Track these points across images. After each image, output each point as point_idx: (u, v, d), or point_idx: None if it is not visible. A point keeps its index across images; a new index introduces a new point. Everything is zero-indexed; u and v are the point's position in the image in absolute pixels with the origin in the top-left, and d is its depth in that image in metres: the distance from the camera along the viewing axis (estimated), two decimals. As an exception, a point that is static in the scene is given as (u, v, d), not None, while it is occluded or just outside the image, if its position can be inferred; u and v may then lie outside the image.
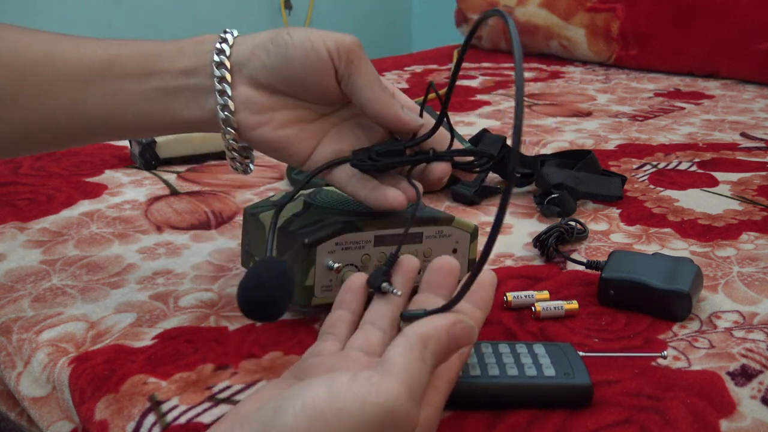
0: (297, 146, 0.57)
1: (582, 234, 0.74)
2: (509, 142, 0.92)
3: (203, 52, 0.55)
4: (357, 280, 0.51)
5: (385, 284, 0.49)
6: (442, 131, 0.57)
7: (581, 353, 0.52)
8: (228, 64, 0.54)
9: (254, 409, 0.38)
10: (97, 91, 0.55)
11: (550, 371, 0.49)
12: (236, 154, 0.58)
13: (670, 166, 0.98)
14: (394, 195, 0.55)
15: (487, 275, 0.48)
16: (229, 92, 0.55)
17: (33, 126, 0.56)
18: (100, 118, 0.56)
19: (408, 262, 0.51)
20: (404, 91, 1.43)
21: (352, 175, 0.56)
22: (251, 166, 0.60)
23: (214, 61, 0.54)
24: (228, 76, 0.54)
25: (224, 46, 0.55)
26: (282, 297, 0.48)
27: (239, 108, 0.55)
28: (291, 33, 0.54)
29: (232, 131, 0.56)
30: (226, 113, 0.55)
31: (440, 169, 0.57)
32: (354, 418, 0.35)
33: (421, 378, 0.39)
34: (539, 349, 0.51)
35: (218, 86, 0.55)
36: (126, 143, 1.06)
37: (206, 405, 0.49)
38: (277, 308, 0.48)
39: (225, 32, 0.56)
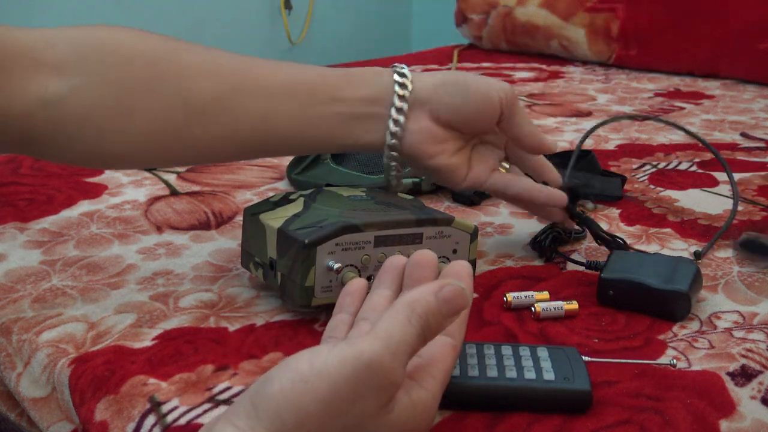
0: (461, 170, 0.67)
1: (580, 234, 0.74)
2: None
3: (383, 83, 0.63)
4: (356, 284, 0.52)
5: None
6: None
7: (586, 358, 0.51)
8: (409, 99, 0.63)
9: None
10: (286, 110, 0.61)
11: (549, 375, 0.48)
12: (394, 174, 0.66)
13: (670, 166, 0.98)
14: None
15: (463, 266, 0.48)
16: (403, 122, 0.63)
17: (223, 138, 0.60)
18: (286, 136, 0.62)
19: (395, 260, 0.51)
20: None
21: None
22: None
23: (397, 93, 0.63)
24: (406, 108, 0.63)
25: (405, 80, 0.63)
26: None
27: (422, 139, 0.64)
28: (468, 81, 0.64)
29: (395, 154, 0.64)
30: (394, 141, 0.63)
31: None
32: (333, 375, 0.37)
33: (405, 337, 0.40)
34: (542, 352, 0.51)
35: (395, 116, 0.63)
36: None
37: (206, 406, 0.49)
38: None
39: (400, 67, 0.64)
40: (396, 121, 0.63)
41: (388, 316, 0.41)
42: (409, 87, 0.63)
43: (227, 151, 0.62)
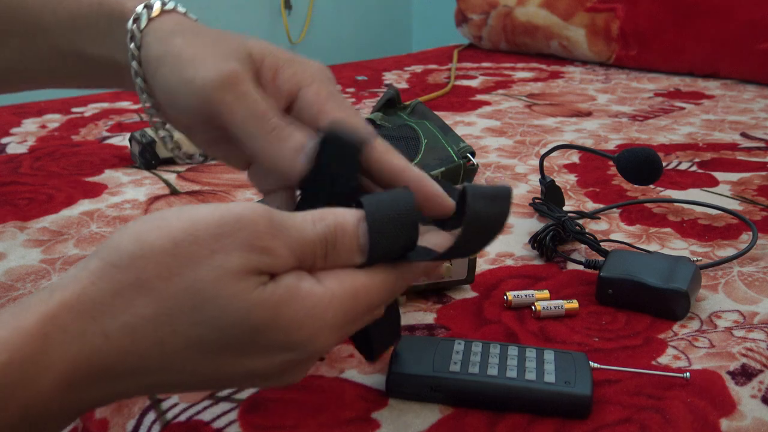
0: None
1: (580, 234, 0.74)
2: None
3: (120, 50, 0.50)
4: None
5: None
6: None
7: (595, 365, 0.51)
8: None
9: None
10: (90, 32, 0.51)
11: (550, 377, 0.48)
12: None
13: (670, 166, 0.98)
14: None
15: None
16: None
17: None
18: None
19: None
20: (403, 91, 1.43)
21: None
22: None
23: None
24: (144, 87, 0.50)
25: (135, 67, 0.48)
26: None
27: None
28: (186, 59, 0.45)
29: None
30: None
31: None
32: (194, 217, 0.33)
33: (299, 226, 0.36)
34: (548, 355, 0.50)
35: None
36: (126, 143, 1.06)
37: (206, 403, 0.49)
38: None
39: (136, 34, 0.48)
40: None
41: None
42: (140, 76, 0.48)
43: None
